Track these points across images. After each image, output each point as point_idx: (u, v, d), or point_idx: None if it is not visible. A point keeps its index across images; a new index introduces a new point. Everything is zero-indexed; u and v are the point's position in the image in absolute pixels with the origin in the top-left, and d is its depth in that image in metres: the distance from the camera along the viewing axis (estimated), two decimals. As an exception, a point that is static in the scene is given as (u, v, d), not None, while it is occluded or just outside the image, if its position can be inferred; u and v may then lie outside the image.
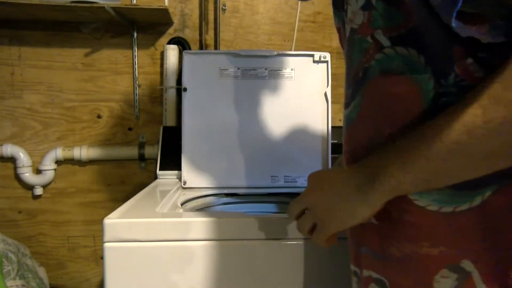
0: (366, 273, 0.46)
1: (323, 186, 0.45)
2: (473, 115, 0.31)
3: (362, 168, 0.41)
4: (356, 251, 0.48)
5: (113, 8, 1.12)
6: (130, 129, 1.36)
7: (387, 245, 0.42)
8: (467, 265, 0.36)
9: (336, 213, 0.43)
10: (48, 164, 1.30)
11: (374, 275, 0.44)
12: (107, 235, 0.67)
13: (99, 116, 1.34)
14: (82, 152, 1.29)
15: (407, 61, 0.38)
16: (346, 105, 0.48)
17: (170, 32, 1.34)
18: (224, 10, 1.34)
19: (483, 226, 0.36)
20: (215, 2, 1.33)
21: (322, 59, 1.11)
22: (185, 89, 1.09)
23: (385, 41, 0.40)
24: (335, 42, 1.41)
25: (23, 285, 1.09)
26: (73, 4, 1.09)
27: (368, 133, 0.43)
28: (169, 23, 1.33)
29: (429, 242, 0.38)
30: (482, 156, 0.32)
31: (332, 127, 1.12)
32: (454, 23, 0.32)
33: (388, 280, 0.42)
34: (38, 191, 1.31)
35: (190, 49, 1.32)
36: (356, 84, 0.45)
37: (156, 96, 1.36)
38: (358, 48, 0.44)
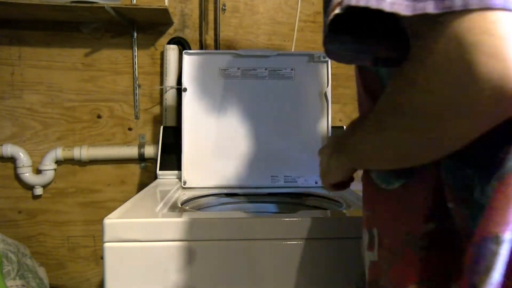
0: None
1: (324, 147, 0.59)
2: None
3: (336, 140, 0.54)
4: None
5: (113, 8, 1.12)
6: (130, 129, 1.36)
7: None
8: (375, 231, 0.46)
9: (321, 169, 0.57)
10: (48, 164, 1.30)
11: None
12: (107, 235, 0.67)
13: (99, 116, 1.34)
14: (82, 152, 1.29)
15: None
16: None
17: (170, 32, 1.34)
18: (224, 10, 1.34)
19: (388, 207, 0.44)
20: (215, 2, 1.33)
21: (322, 59, 1.11)
22: (185, 89, 1.09)
23: None
24: (335, 42, 1.41)
25: (23, 285, 1.09)
26: (73, 4, 1.09)
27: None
28: (169, 23, 1.33)
29: (365, 205, 0.50)
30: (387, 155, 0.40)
31: (332, 127, 1.12)
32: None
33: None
34: (38, 191, 1.31)
35: (190, 49, 1.32)
36: None
37: (156, 96, 1.36)
38: None
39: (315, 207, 1.03)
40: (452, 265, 0.36)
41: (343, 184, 0.56)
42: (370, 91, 0.47)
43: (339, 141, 0.51)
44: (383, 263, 0.44)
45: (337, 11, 0.32)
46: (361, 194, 0.93)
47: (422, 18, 0.29)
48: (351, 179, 0.55)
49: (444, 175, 0.37)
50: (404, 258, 0.40)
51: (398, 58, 0.34)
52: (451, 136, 0.31)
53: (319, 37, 1.40)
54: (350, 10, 0.32)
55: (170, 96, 1.31)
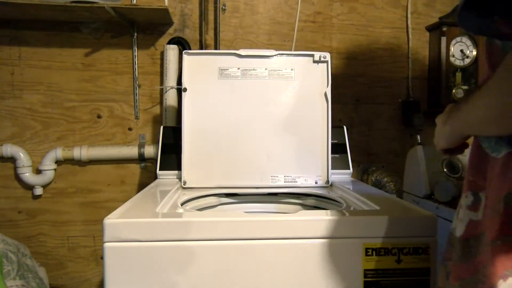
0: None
1: (441, 113, 0.61)
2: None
3: (451, 108, 0.56)
4: None
5: (113, 8, 1.12)
6: (130, 129, 1.36)
7: None
8: (482, 195, 0.51)
9: (436, 133, 0.61)
10: (48, 164, 1.30)
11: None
12: (107, 235, 0.67)
13: (99, 116, 1.34)
14: (82, 152, 1.29)
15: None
16: None
17: (170, 32, 1.34)
18: (224, 10, 1.34)
19: (498, 174, 0.47)
20: (215, 2, 1.33)
21: (322, 59, 1.11)
22: (185, 89, 1.09)
23: None
24: (335, 42, 1.41)
25: (23, 285, 1.09)
26: (73, 4, 1.09)
27: None
28: (169, 23, 1.33)
29: (469, 172, 0.54)
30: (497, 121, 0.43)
31: (332, 127, 1.12)
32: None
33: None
34: (38, 191, 1.31)
35: (190, 49, 1.32)
36: None
37: (156, 96, 1.36)
38: None
39: (315, 207, 1.03)
40: None
41: (456, 150, 0.61)
42: (493, 64, 0.49)
43: (453, 109, 0.55)
44: (486, 220, 0.49)
45: None
46: (360, 194, 0.93)
47: None
48: (465, 145, 0.59)
49: None
50: (502, 213, 0.45)
51: None
52: None
53: (319, 37, 1.40)
54: None
55: (170, 96, 1.31)
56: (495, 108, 0.41)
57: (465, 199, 0.54)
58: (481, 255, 0.49)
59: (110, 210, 0.73)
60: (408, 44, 1.43)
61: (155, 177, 1.17)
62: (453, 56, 1.10)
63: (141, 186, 1.34)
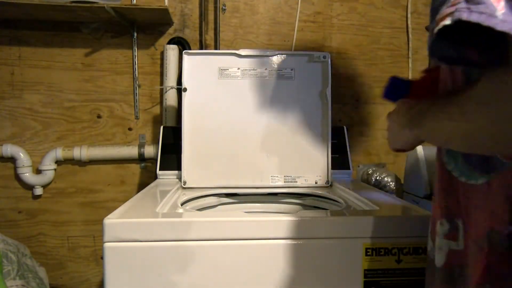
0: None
1: (395, 111, 0.58)
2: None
3: (411, 110, 0.52)
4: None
5: (113, 8, 1.12)
6: (130, 129, 1.36)
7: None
8: (459, 222, 0.48)
9: (391, 134, 0.59)
10: (48, 164, 1.30)
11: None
12: (107, 235, 0.67)
13: (99, 116, 1.34)
14: (82, 152, 1.29)
15: None
16: None
17: (170, 32, 1.34)
18: (224, 10, 1.34)
19: (479, 201, 0.45)
20: (215, 2, 1.33)
21: (322, 59, 1.11)
22: (185, 89, 1.09)
23: None
24: (335, 42, 1.41)
25: (23, 285, 1.09)
26: (73, 4, 1.09)
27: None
28: (169, 23, 1.33)
29: (440, 196, 0.51)
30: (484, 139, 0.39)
31: (332, 127, 1.12)
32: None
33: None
34: (38, 191, 1.31)
35: (190, 49, 1.32)
36: None
37: (156, 96, 1.36)
38: None
39: (315, 207, 1.03)
40: None
41: (408, 150, 0.60)
42: (457, 84, 0.47)
43: (414, 115, 0.51)
44: (469, 253, 0.46)
45: (447, 22, 0.34)
46: (360, 194, 0.93)
47: None
48: (420, 142, 0.58)
49: None
50: (486, 252, 0.42)
51: (486, 62, 0.36)
52: None
53: (319, 37, 1.40)
54: (458, 23, 0.33)
55: (170, 96, 1.31)
56: (477, 133, 0.38)
57: (441, 227, 0.51)
58: None
59: (110, 210, 0.73)
60: (408, 44, 1.43)
61: (155, 177, 1.17)
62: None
63: (141, 186, 1.34)
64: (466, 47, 0.38)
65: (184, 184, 1.07)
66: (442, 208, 0.51)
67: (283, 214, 0.92)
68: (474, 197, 0.45)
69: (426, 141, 0.52)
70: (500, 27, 0.31)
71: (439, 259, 0.51)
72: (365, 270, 0.70)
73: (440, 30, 0.35)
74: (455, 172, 0.48)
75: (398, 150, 0.61)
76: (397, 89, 0.86)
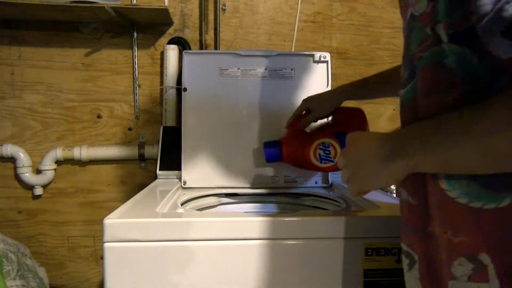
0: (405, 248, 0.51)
1: (359, 147, 0.52)
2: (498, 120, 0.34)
3: (391, 140, 0.46)
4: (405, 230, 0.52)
5: (113, 8, 1.12)
6: (130, 129, 1.36)
7: (424, 222, 0.46)
8: (484, 258, 0.39)
9: (364, 173, 0.50)
10: (48, 164, 1.30)
11: (407, 248, 0.50)
12: (107, 235, 0.67)
13: (99, 116, 1.34)
14: (82, 152, 1.29)
15: (460, 59, 0.40)
16: (403, 85, 0.51)
17: (170, 32, 1.34)
18: (224, 10, 1.34)
19: (506, 226, 0.38)
20: (215, 2, 1.33)
21: (322, 59, 1.11)
22: (185, 89, 1.09)
23: (444, 37, 0.41)
24: (335, 42, 1.41)
25: (23, 285, 1.09)
26: (73, 4, 1.09)
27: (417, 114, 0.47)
28: (169, 23, 1.33)
29: (452, 230, 0.42)
30: (496, 155, 0.35)
31: (332, 127, 1.11)
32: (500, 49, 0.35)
33: (418, 254, 0.48)
34: (38, 191, 1.31)
35: (190, 49, 1.32)
36: (412, 68, 0.48)
37: (156, 96, 1.36)
38: (416, 35, 0.46)
39: (315, 207, 1.03)
40: None
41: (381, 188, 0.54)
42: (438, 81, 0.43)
43: (398, 145, 0.45)
44: None
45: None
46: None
47: None
48: None
49: None
50: None
51: None
52: None
53: (319, 37, 1.40)
54: None
55: (170, 96, 1.31)
56: (485, 151, 0.35)
57: (461, 268, 0.41)
58: None
59: (110, 210, 0.73)
60: (408, 44, 1.43)
61: (155, 177, 1.17)
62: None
63: (141, 186, 1.33)
64: None
65: (184, 184, 1.07)
66: (455, 244, 0.42)
67: (283, 214, 0.93)
68: (499, 224, 0.38)
69: (417, 170, 0.44)
70: None
71: None
72: (365, 270, 0.70)
73: None
74: (463, 198, 0.40)
75: (363, 194, 0.54)
76: (272, 150, 0.94)
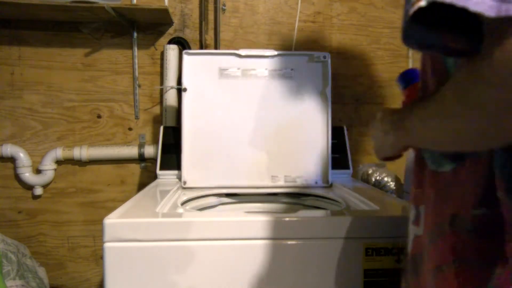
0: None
1: (375, 121, 0.60)
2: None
3: (393, 118, 0.53)
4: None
5: (113, 8, 1.12)
6: (130, 129, 1.36)
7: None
8: (422, 208, 0.49)
9: (376, 143, 0.60)
10: (48, 164, 1.29)
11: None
12: (107, 235, 0.67)
13: (99, 116, 1.34)
14: (82, 152, 1.29)
15: None
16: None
17: (170, 32, 1.34)
18: (224, 10, 1.34)
19: (440, 187, 0.46)
20: (215, 2, 1.33)
21: (322, 59, 1.11)
22: (185, 89, 1.09)
23: None
24: (335, 42, 1.41)
25: (23, 285, 1.09)
26: (73, 4, 1.09)
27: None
28: (169, 23, 1.33)
29: (417, 183, 0.52)
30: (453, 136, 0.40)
31: (332, 127, 1.12)
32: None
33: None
34: (38, 191, 1.31)
35: (190, 49, 1.32)
36: None
37: (156, 96, 1.36)
38: None
39: (315, 207, 1.03)
40: (495, 251, 0.38)
41: (396, 157, 0.60)
42: (437, 75, 0.47)
43: (396, 120, 0.52)
44: (426, 238, 0.47)
45: (422, 3, 0.33)
46: (360, 194, 0.93)
47: (503, 19, 0.29)
48: (406, 148, 0.58)
49: (496, 163, 0.38)
50: (445, 237, 0.43)
51: (466, 50, 0.35)
52: None
53: (319, 37, 1.40)
54: (433, 5, 0.32)
55: (170, 96, 1.31)
56: (446, 130, 0.39)
57: (411, 213, 0.52)
58: (422, 277, 0.47)
59: (110, 210, 0.73)
60: (408, 44, 1.43)
61: (155, 177, 1.17)
62: (453, 56, 1.09)
63: (141, 186, 1.34)
64: (443, 33, 0.37)
65: (184, 184, 1.07)
66: (412, 195, 0.52)
67: (283, 214, 0.93)
68: (438, 184, 0.46)
69: (408, 144, 0.52)
70: (473, 8, 0.30)
71: (409, 247, 0.53)
72: (365, 270, 0.70)
73: (415, 12, 0.34)
74: (428, 160, 0.48)
75: (385, 159, 0.61)
76: (409, 76, 0.84)
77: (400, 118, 0.50)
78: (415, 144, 0.51)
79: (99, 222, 0.67)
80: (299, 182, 1.09)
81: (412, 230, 0.52)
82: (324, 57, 1.11)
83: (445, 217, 0.43)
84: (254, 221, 0.70)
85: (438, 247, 0.44)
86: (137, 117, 1.35)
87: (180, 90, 1.15)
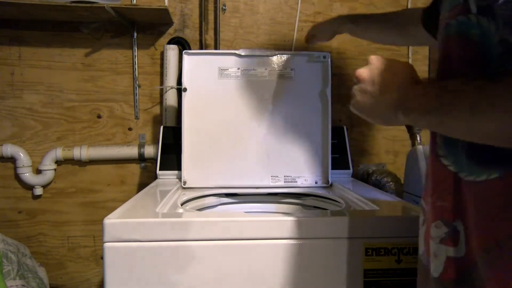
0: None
1: (381, 78, 0.54)
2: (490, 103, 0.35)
3: (401, 92, 0.48)
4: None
5: (113, 8, 1.12)
6: (130, 129, 1.36)
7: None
8: (459, 225, 0.43)
9: (371, 112, 0.53)
10: (48, 164, 1.30)
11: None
12: (107, 235, 0.67)
13: (99, 116, 1.34)
14: (82, 152, 1.29)
15: (484, 33, 0.40)
16: None
17: (170, 32, 1.34)
18: (224, 10, 1.34)
19: (485, 199, 0.40)
20: (215, 2, 1.33)
21: (322, 59, 1.11)
22: (185, 89, 1.09)
23: (473, 7, 0.41)
24: (335, 42, 1.41)
25: (23, 285, 1.09)
26: (73, 4, 1.09)
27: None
28: (169, 23, 1.33)
29: (437, 194, 0.46)
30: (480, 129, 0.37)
31: (332, 127, 1.12)
32: None
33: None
34: (38, 191, 1.31)
35: (190, 49, 1.32)
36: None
37: (156, 96, 1.36)
38: (450, 0, 0.46)
39: (315, 207, 1.03)
40: None
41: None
42: (471, 64, 0.43)
43: (403, 98, 0.47)
44: (476, 261, 0.40)
45: None
46: (360, 194, 0.93)
47: None
48: None
49: None
50: (504, 260, 0.37)
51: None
52: None
53: (319, 37, 1.40)
54: None
55: (170, 96, 1.31)
56: (482, 125, 0.35)
57: (436, 230, 0.45)
58: None
59: (110, 210, 0.73)
60: (408, 44, 1.43)
61: (155, 177, 1.17)
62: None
63: (141, 186, 1.34)
64: None
65: (184, 184, 1.07)
66: (437, 208, 0.45)
67: (283, 214, 0.93)
68: (483, 197, 0.39)
69: (413, 124, 0.48)
70: None
71: (436, 268, 0.45)
72: (365, 270, 0.70)
73: None
74: (454, 168, 0.43)
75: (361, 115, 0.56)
76: None
77: (408, 100, 0.45)
78: (429, 129, 0.46)
79: (99, 222, 0.67)
80: (299, 182, 1.09)
81: (443, 251, 0.44)
82: (324, 57, 1.11)
83: (501, 237, 0.37)
84: (254, 221, 0.70)
85: (501, 273, 0.37)
86: (137, 117, 1.35)
87: (180, 90, 1.15)
